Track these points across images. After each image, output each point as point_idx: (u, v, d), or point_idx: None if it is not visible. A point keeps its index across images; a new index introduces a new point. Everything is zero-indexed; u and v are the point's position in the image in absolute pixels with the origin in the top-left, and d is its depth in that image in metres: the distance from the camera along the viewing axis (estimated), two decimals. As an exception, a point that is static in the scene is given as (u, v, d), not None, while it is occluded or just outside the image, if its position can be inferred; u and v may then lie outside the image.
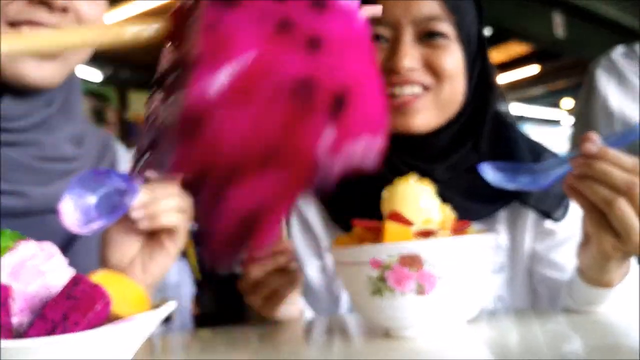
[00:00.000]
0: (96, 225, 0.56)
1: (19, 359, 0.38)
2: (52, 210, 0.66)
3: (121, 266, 0.65)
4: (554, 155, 0.89)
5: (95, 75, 6.55)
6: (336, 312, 0.92)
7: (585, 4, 6.42)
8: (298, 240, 0.96)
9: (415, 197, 0.60)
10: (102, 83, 7.32)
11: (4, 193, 0.66)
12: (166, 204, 0.62)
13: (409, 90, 0.80)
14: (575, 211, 0.82)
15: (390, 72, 0.79)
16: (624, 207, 0.55)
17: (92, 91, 6.37)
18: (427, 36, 0.80)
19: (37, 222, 0.69)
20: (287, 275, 0.73)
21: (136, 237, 0.65)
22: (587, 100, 1.44)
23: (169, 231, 0.64)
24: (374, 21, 0.80)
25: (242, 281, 0.76)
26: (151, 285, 0.68)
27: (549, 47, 6.60)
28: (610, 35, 6.98)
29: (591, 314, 0.64)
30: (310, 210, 0.96)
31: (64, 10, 0.64)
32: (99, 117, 6.45)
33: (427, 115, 0.81)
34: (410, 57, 0.79)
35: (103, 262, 0.65)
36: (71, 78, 0.75)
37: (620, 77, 1.40)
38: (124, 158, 0.90)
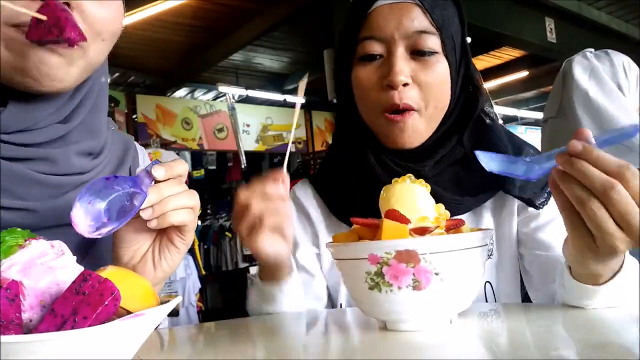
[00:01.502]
0: (107, 229, 0.57)
1: (28, 356, 0.39)
2: (63, 224, 0.65)
3: (133, 263, 0.66)
4: (533, 147, 0.94)
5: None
6: (323, 299, 0.94)
7: (577, 10, 6.46)
8: (296, 226, 0.99)
9: (412, 196, 0.62)
10: (111, 86, 7.34)
11: (13, 209, 0.64)
12: (174, 202, 0.63)
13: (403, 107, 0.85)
14: None
15: (387, 87, 0.85)
16: (597, 209, 0.54)
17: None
18: (417, 53, 0.86)
19: (48, 235, 0.69)
20: (274, 203, 0.74)
21: (147, 236, 0.66)
22: (568, 96, 1.51)
23: (178, 228, 0.66)
24: (369, 39, 0.87)
25: (233, 211, 0.77)
26: (162, 280, 0.69)
27: (542, 51, 6.62)
28: (600, 39, 7.02)
29: (585, 310, 0.65)
30: (312, 205, 1.00)
31: (68, 5, 0.59)
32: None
33: (418, 134, 0.87)
34: (404, 73, 0.85)
35: (115, 260, 0.67)
36: (96, 93, 0.73)
37: (595, 75, 1.48)
38: (145, 159, 0.89)
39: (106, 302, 0.42)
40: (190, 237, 0.68)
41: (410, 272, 0.56)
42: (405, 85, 0.85)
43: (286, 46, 7.34)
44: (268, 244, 0.76)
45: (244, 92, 8.22)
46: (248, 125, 8.79)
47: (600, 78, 1.53)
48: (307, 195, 1.02)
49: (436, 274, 0.56)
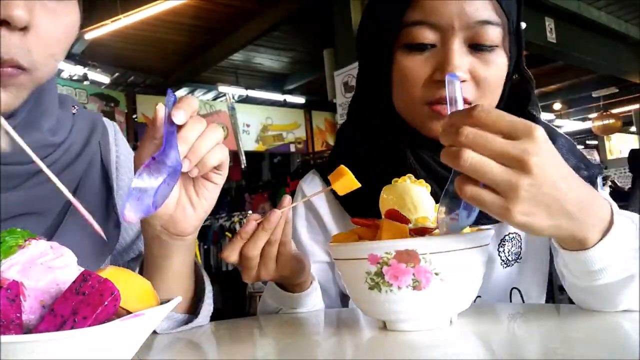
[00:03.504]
0: (153, 211, 0.58)
1: (28, 356, 0.39)
2: (25, 213, 0.66)
3: (169, 214, 0.65)
4: (563, 137, 0.88)
5: (103, 79, 6.59)
6: (339, 304, 0.92)
7: (577, 10, 6.49)
8: (307, 231, 0.93)
9: (412, 196, 0.62)
10: (111, 86, 7.36)
11: None
12: (205, 145, 0.61)
13: None
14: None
15: (439, 82, 0.76)
16: (468, 156, 0.51)
17: (101, 94, 6.41)
18: (477, 47, 0.76)
19: (9, 225, 0.68)
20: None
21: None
22: None
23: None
24: (420, 24, 0.76)
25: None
26: (203, 219, 0.69)
27: (542, 51, 6.65)
28: (600, 39, 7.05)
29: (585, 310, 0.64)
30: (323, 204, 0.93)
31: (25, 29, 0.56)
32: (108, 118, 6.50)
33: None
34: (463, 69, 0.75)
35: (145, 223, 0.67)
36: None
37: None
38: (117, 134, 0.88)
39: (106, 302, 0.42)
40: (227, 168, 0.66)
41: (410, 272, 0.56)
42: (461, 82, 0.74)
43: (286, 46, 7.35)
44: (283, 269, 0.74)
45: (244, 92, 8.24)
46: (248, 125, 8.80)
47: None
48: (320, 200, 0.93)
49: (436, 274, 0.56)
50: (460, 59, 0.75)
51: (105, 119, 0.87)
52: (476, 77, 0.77)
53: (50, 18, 0.59)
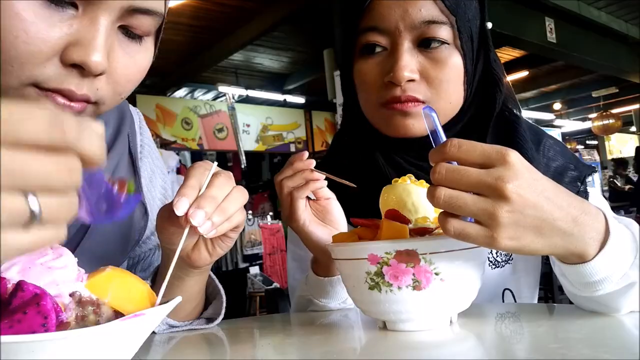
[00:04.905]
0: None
1: (28, 356, 0.39)
2: None
3: (186, 252, 0.65)
4: (552, 138, 0.89)
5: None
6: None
7: (577, 10, 6.50)
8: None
9: (412, 196, 0.62)
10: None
11: None
12: (229, 210, 0.59)
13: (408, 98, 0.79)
14: (593, 195, 0.83)
15: (390, 83, 0.79)
16: (442, 193, 0.52)
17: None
18: (425, 44, 0.78)
19: None
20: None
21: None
22: None
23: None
24: (370, 30, 0.79)
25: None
26: (216, 259, 0.69)
27: (541, 51, 6.65)
28: (600, 39, 7.06)
29: (585, 311, 0.64)
30: None
31: (99, 75, 0.56)
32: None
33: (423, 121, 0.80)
34: (410, 68, 0.77)
35: (164, 255, 0.68)
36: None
37: None
38: (144, 125, 0.88)
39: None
40: (241, 228, 0.65)
41: (410, 272, 0.56)
42: (411, 81, 0.78)
43: (286, 46, 7.35)
44: (312, 229, 0.76)
45: (244, 92, 8.23)
46: (248, 125, 8.81)
47: None
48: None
49: (436, 274, 0.56)
50: (408, 59, 0.77)
51: (131, 107, 0.86)
52: (427, 77, 0.79)
53: (126, 61, 0.59)
